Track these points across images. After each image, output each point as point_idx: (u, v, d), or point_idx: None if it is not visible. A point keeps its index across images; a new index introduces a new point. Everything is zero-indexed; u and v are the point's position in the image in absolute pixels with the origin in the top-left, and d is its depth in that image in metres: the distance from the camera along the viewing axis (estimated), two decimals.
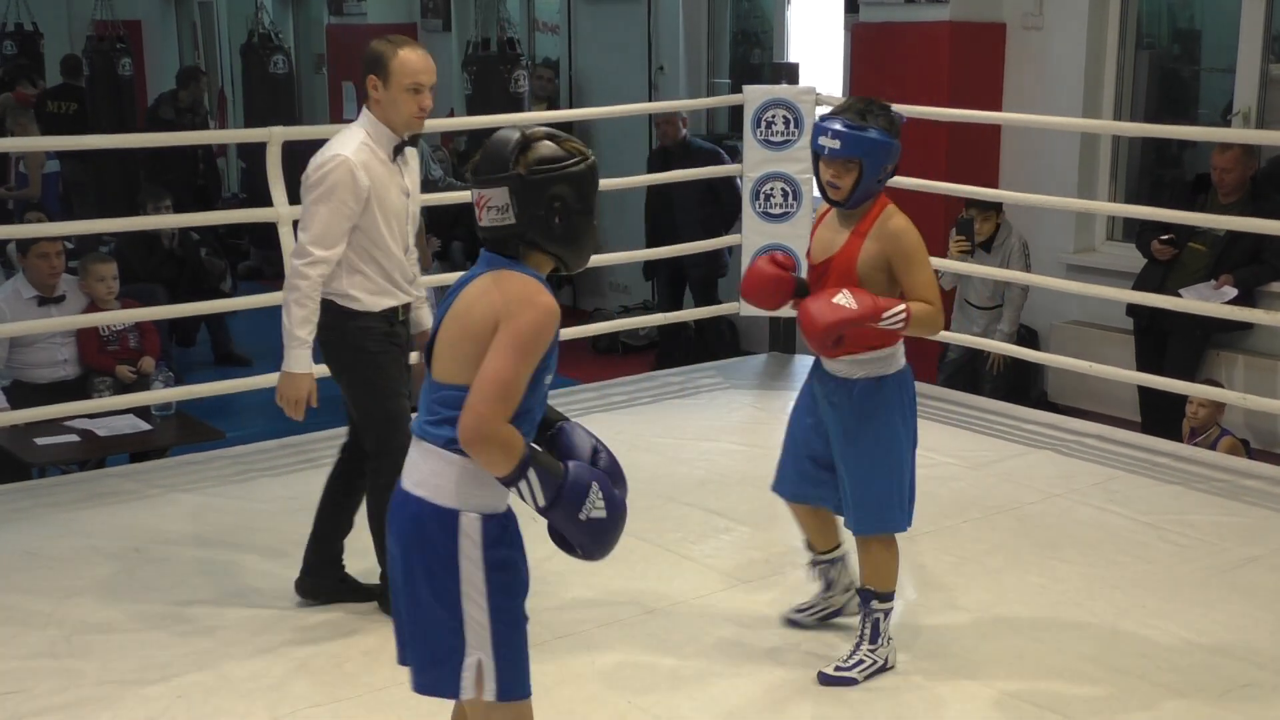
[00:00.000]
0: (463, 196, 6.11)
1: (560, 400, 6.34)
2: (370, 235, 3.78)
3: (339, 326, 3.81)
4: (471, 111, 8.58)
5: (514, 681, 2.54)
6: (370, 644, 3.81)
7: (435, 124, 9.97)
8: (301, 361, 3.78)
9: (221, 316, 8.52)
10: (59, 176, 10.66)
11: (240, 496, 4.99)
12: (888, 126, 3.41)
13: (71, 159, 10.54)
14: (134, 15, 15.34)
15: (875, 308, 3.36)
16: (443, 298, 2.61)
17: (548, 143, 2.52)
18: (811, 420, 3.73)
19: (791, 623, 3.92)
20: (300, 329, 3.75)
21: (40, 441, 5.39)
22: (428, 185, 8.31)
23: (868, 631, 3.60)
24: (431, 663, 2.55)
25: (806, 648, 3.84)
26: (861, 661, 3.59)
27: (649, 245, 7.67)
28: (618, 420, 6.14)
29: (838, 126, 3.39)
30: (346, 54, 11.93)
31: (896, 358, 3.60)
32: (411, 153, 3.92)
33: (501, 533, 2.53)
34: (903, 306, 3.40)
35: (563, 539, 2.57)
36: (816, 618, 3.91)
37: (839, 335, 3.37)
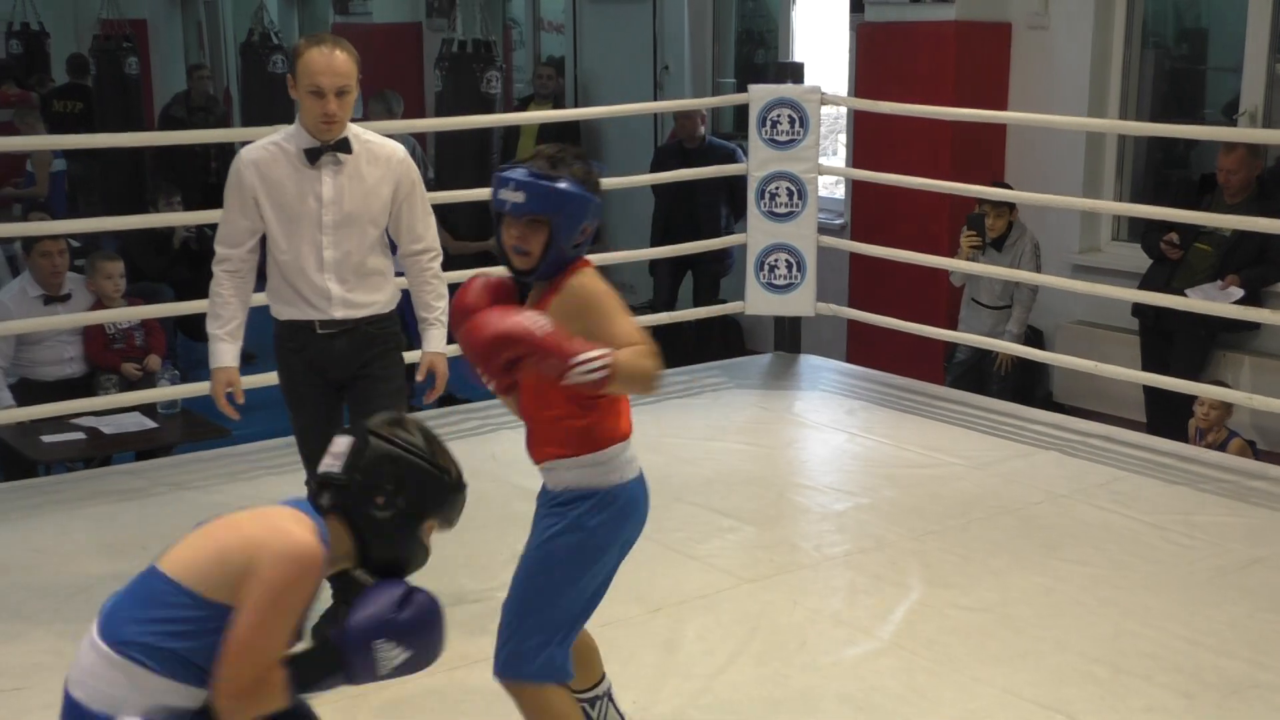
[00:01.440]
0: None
1: None
2: (270, 239, 3.70)
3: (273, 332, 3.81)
4: (441, 112, 8.56)
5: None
6: None
7: (402, 125, 10.06)
8: (215, 357, 3.78)
9: None
10: (65, 175, 10.67)
11: (246, 495, 4.99)
12: (584, 178, 2.73)
13: (78, 158, 10.55)
14: (140, 14, 15.36)
15: (567, 345, 2.57)
16: None
17: (418, 433, 2.32)
18: None
19: None
20: (211, 324, 3.77)
21: (47, 439, 5.40)
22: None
23: None
24: None
25: (814, 647, 3.84)
26: None
27: (661, 243, 7.66)
28: None
29: (521, 176, 2.67)
30: None
31: (614, 466, 2.87)
32: (353, 158, 3.63)
33: None
34: (603, 352, 2.59)
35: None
36: None
37: (511, 357, 2.57)
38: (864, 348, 7.46)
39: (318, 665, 2.15)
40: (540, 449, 2.83)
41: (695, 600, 4.14)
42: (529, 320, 2.57)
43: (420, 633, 2.19)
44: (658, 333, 8.11)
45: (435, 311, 3.88)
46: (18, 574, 4.31)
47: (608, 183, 7.72)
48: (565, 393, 2.67)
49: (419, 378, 3.88)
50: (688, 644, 3.85)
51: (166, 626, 2.14)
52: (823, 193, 7.22)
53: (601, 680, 3.09)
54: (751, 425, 6.09)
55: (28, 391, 5.86)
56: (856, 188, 7.82)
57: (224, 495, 5.01)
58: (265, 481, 5.14)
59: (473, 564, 4.34)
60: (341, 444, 2.28)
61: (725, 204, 7.97)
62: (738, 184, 7.73)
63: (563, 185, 2.68)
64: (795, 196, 6.49)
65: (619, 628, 3.93)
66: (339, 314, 3.70)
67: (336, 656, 2.16)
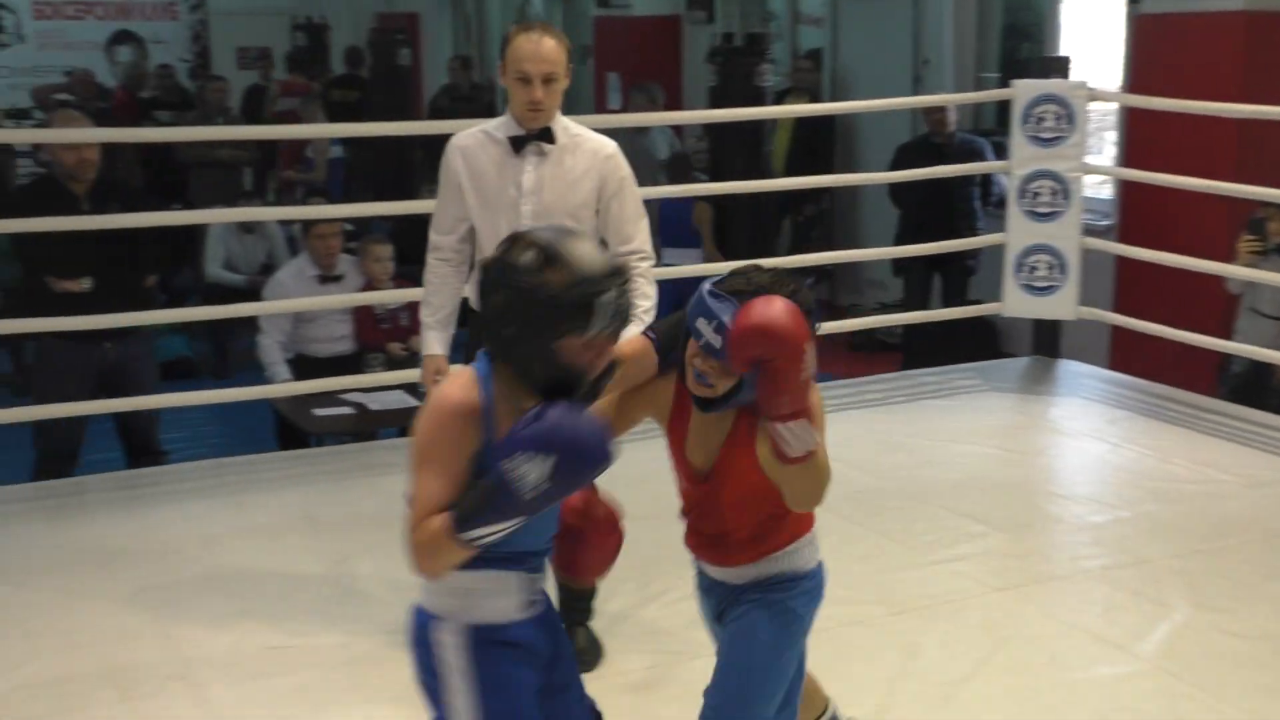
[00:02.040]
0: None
1: None
2: (476, 227, 3.68)
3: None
4: (714, 104, 8.61)
5: None
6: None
7: (678, 117, 10.07)
8: (425, 344, 3.80)
9: None
10: (343, 162, 11.19)
11: None
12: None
13: (354, 146, 11.04)
14: (413, 8, 15.99)
15: (806, 395, 2.37)
16: None
17: (532, 250, 2.12)
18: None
19: None
20: (422, 311, 3.81)
21: (318, 412, 5.68)
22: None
23: None
24: None
25: (1065, 662, 3.72)
26: None
27: (912, 241, 7.53)
28: (870, 419, 6.07)
29: (728, 318, 2.32)
30: (612, 46, 12.14)
31: (815, 546, 2.73)
32: (558, 149, 3.56)
33: (493, 636, 2.22)
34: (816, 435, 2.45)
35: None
36: None
37: (762, 356, 2.30)
38: (1128, 355, 7.16)
39: (468, 497, 2.09)
40: (749, 551, 2.59)
41: (940, 605, 4.07)
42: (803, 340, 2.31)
43: (552, 438, 2.02)
44: (911, 332, 8.04)
45: (638, 309, 3.67)
46: (288, 537, 4.55)
47: (862, 178, 7.72)
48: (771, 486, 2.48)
49: None
50: (931, 650, 3.79)
51: None
52: (1088, 193, 6.97)
53: (827, 708, 3.03)
54: (1005, 430, 5.94)
55: (302, 367, 6.18)
56: (1126, 188, 7.52)
57: None
58: None
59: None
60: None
61: (978, 200, 7.81)
62: (989, 182, 7.59)
63: None
64: (1059, 196, 6.28)
65: (861, 628, 3.89)
66: None
67: (490, 484, 2.06)
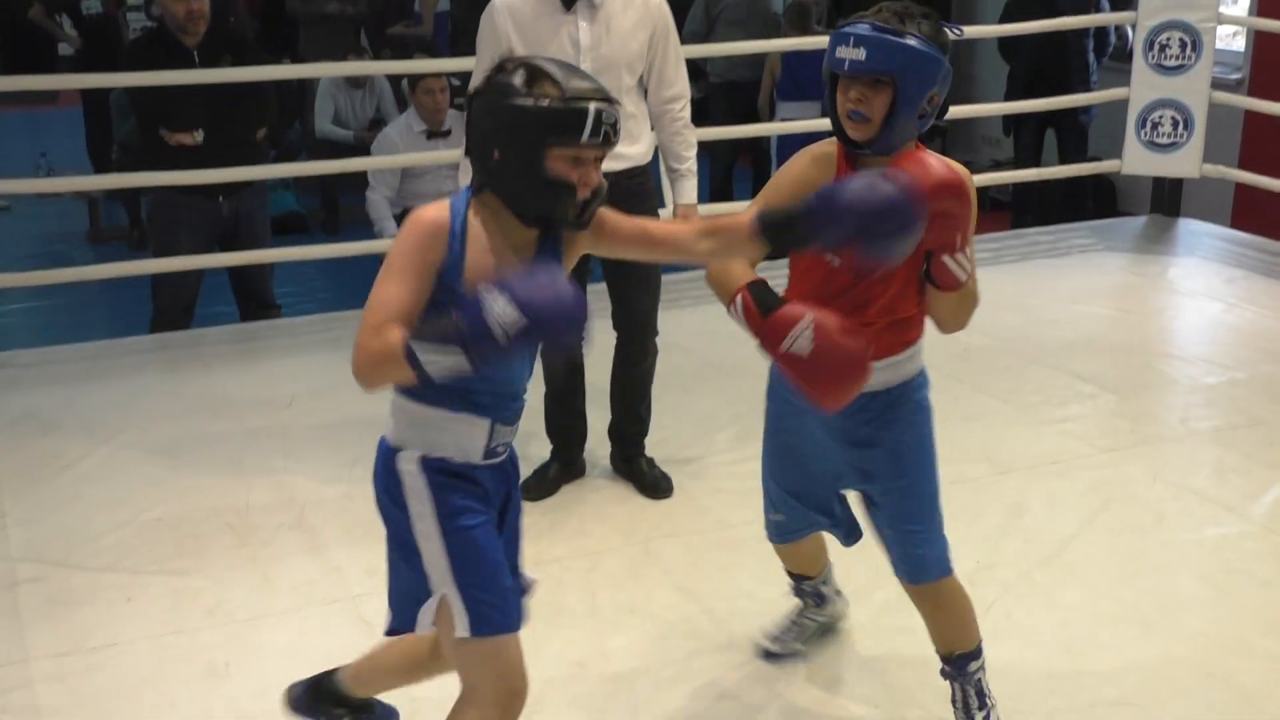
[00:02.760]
0: None
1: None
2: None
3: None
4: None
5: (488, 613, 2.19)
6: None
7: None
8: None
9: None
10: (450, 16, 11.12)
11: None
12: (934, 36, 2.39)
13: (460, 0, 10.95)
14: None
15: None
16: None
17: (519, 71, 2.11)
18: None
19: (776, 655, 3.07)
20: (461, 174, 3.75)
21: None
22: None
23: (974, 700, 2.73)
24: (399, 602, 2.32)
25: (1172, 523, 3.68)
26: None
27: (1025, 96, 7.29)
28: (983, 277, 5.90)
29: (863, 30, 2.36)
30: None
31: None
32: (609, 3, 3.53)
33: (451, 468, 2.23)
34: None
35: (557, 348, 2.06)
36: (806, 639, 3.11)
37: (946, 210, 2.34)
38: (1252, 213, 6.94)
39: (441, 320, 2.02)
40: (891, 346, 2.58)
41: (1047, 465, 4.03)
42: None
43: (533, 297, 1.96)
44: (1024, 190, 7.85)
45: (686, 162, 3.75)
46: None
47: (976, 31, 7.46)
48: (917, 285, 2.53)
49: None
50: (1036, 509, 3.76)
51: None
52: (1219, 45, 6.68)
53: (824, 571, 3.07)
54: (1120, 290, 5.81)
55: None
56: (1259, 40, 7.19)
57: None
58: None
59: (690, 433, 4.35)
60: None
61: (1092, 52, 7.50)
62: (1103, 34, 7.29)
63: (911, 42, 2.35)
64: (1189, 49, 6.04)
65: (965, 486, 3.88)
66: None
67: (458, 308, 2.00)
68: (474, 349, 1.97)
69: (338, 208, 8.28)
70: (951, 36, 2.44)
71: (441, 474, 2.21)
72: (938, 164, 2.36)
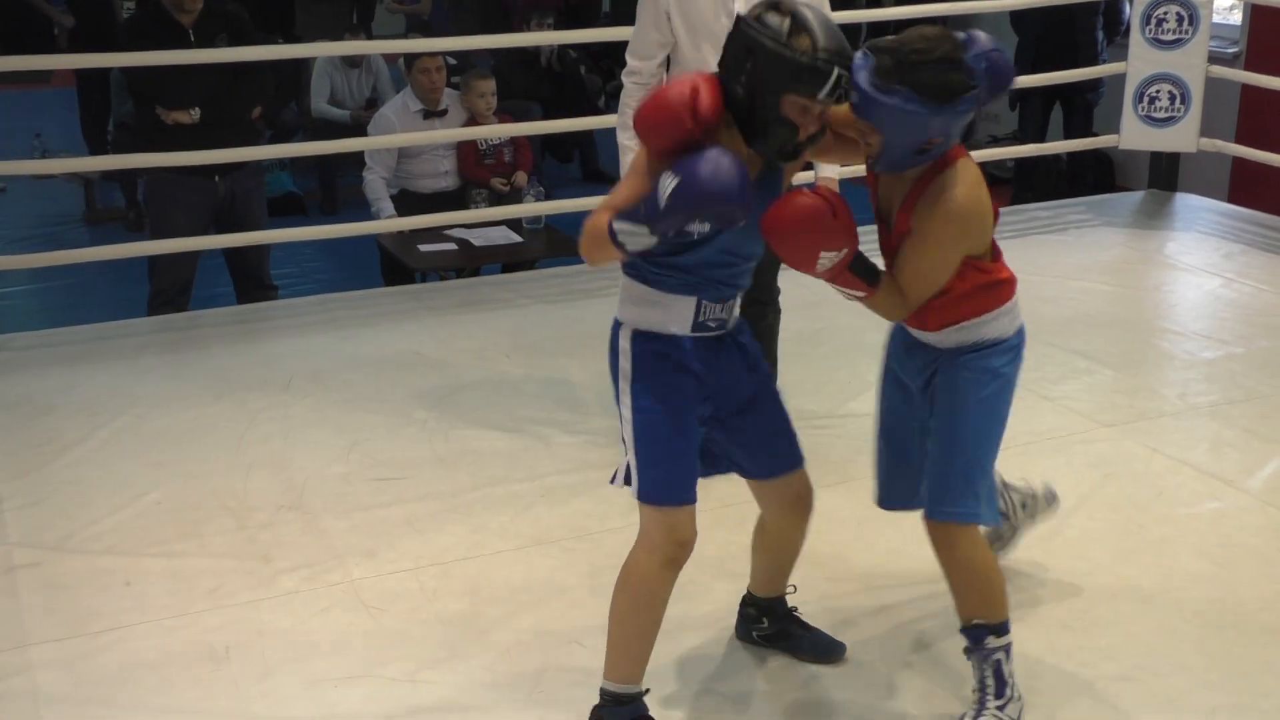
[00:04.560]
0: None
1: None
2: (678, 54, 3.64)
3: None
4: None
5: (654, 485, 2.53)
6: None
7: None
8: (625, 164, 3.71)
9: (591, 134, 8.72)
10: None
11: (604, 312, 5.16)
12: (931, 89, 2.39)
13: None
14: None
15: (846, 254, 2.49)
16: None
17: (785, 16, 2.40)
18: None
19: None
20: (621, 134, 3.72)
21: (423, 248, 5.73)
22: None
23: (990, 682, 2.67)
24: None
25: (1171, 497, 3.68)
26: None
27: (1031, 71, 7.27)
28: None
29: (860, 77, 2.41)
30: None
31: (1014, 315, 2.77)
32: None
33: (658, 348, 2.55)
34: (870, 287, 2.56)
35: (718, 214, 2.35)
36: (1003, 549, 3.28)
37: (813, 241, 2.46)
38: (1249, 188, 6.93)
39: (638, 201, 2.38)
40: (938, 318, 2.68)
41: (1045, 441, 4.03)
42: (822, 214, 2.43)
43: (687, 162, 2.30)
44: (1026, 165, 7.83)
45: None
46: (395, 372, 4.63)
47: (982, 6, 7.42)
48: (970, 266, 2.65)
49: None
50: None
51: None
52: (1216, 18, 6.66)
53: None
54: (1118, 265, 5.81)
55: (406, 202, 6.21)
56: (1256, 13, 7.17)
57: (581, 310, 5.21)
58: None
59: (821, 390, 4.36)
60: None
61: (1101, 29, 7.49)
62: (1111, 8, 7.27)
63: (891, 101, 2.38)
64: (1185, 22, 6.02)
65: None
66: None
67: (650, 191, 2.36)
68: (647, 217, 2.33)
69: (335, 188, 8.26)
70: (972, 87, 2.46)
71: (649, 349, 2.54)
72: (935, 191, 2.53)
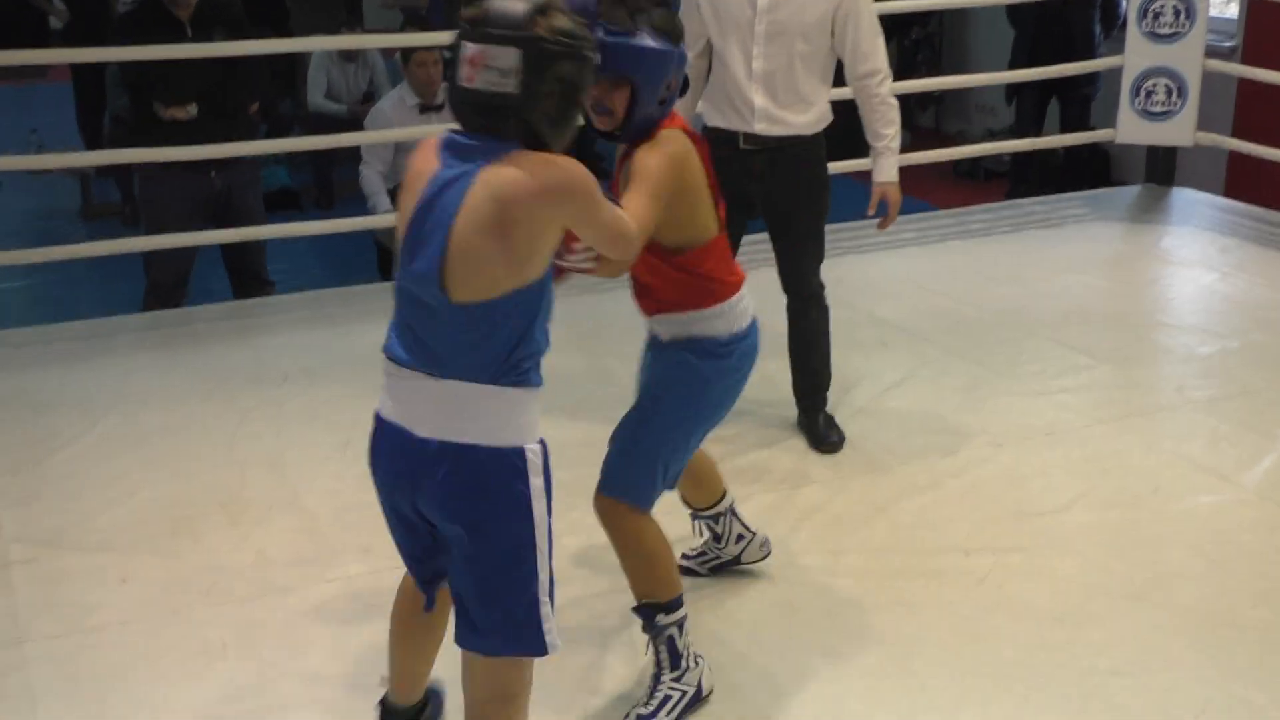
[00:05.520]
0: None
1: (916, 226, 6.22)
2: (713, 42, 3.71)
3: None
4: None
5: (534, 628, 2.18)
6: None
7: None
8: None
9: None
10: None
11: (603, 306, 5.15)
12: (666, 27, 2.54)
13: None
14: None
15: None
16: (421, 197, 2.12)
17: (566, 16, 2.13)
18: None
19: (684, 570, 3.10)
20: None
21: None
22: None
23: (665, 657, 2.72)
24: (512, 623, 2.18)
25: (1167, 492, 3.68)
26: (668, 699, 2.71)
27: (1027, 65, 7.26)
28: (976, 249, 5.98)
29: (598, 35, 2.37)
30: None
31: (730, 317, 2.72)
32: None
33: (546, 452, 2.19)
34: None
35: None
36: (708, 566, 3.26)
37: None
38: (1246, 182, 6.92)
39: None
40: (655, 300, 2.73)
41: (1042, 437, 4.03)
42: None
43: None
44: (1022, 160, 7.82)
45: (883, 139, 3.73)
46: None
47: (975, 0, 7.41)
48: (666, 258, 2.65)
49: (870, 210, 3.81)
50: (1031, 479, 3.77)
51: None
52: (1212, 12, 6.66)
53: (723, 496, 3.11)
54: (1114, 260, 5.81)
55: None
56: (1252, 7, 7.17)
57: (576, 305, 5.20)
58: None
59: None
60: (507, 57, 2.09)
61: (1098, 23, 7.48)
62: (1109, 1, 7.26)
63: (642, 43, 2.50)
64: (1182, 16, 6.02)
65: (960, 458, 3.89)
66: (760, 128, 3.66)
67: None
68: None
69: (331, 183, 8.25)
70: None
71: (547, 461, 2.18)
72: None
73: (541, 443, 2.17)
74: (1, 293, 6.46)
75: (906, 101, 9.61)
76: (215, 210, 5.32)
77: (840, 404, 4.21)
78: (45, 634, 3.07)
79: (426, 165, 2.15)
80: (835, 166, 5.88)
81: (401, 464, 2.19)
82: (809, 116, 3.71)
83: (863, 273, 5.59)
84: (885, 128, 3.74)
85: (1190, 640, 3.00)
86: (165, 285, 5.32)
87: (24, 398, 4.41)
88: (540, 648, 2.18)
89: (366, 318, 5.15)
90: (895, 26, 9.12)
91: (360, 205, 6.26)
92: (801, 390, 4.05)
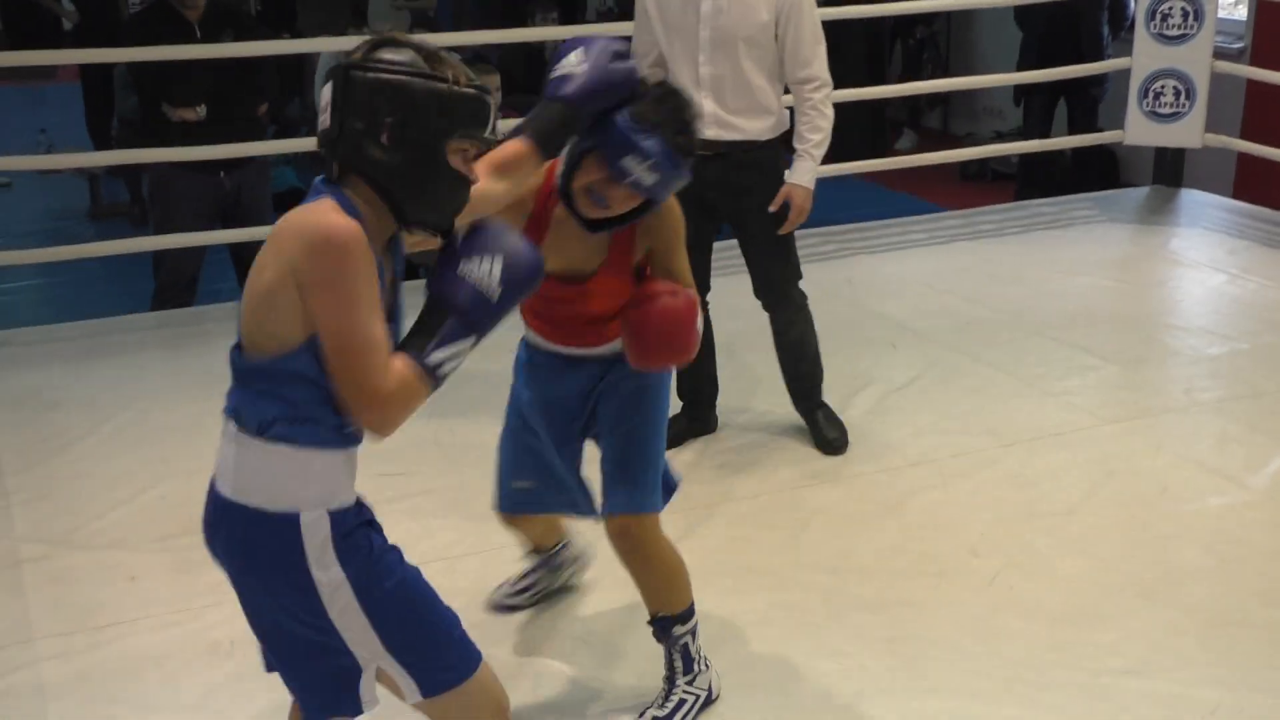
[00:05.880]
0: None
1: (925, 228, 6.22)
2: (663, 51, 3.70)
3: None
4: None
5: (437, 672, 2.02)
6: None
7: None
8: None
9: None
10: None
11: None
12: (687, 150, 2.41)
13: None
14: None
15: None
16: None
17: (408, 49, 1.89)
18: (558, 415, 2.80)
19: (505, 608, 3.14)
20: None
21: None
22: None
23: (679, 663, 2.75)
24: (318, 688, 2.05)
25: (1176, 494, 3.68)
26: (683, 702, 2.73)
27: (1035, 66, 7.25)
28: (984, 249, 5.97)
29: (659, 152, 2.33)
30: None
31: None
32: None
33: (355, 520, 2.00)
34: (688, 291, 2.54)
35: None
36: (535, 596, 3.18)
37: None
38: (1255, 184, 6.91)
39: (428, 323, 1.90)
40: (609, 331, 2.64)
41: (1050, 438, 4.03)
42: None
43: (490, 239, 1.92)
44: (1030, 161, 7.82)
45: (807, 143, 3.68)
46: None
47: (983, 1, 7.39)
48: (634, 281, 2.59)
49: (773, 207, 3.70)
50: (1039, 481, 3.77)
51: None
52: (1221, 13, 6.65)
53: (561, 541, 3.14)
54: (1122, 261, 5.80)
55: None
56: (1262, 8, 7.15)
57: None
58: None
59: (825, 387, 4.36)
60: (326, 94, 1.92)
61: (1106, 25, 7.46)
62: (1116, 3, 7.25)
63: (686, 171, 2.40)
64: (1191, 17, 6.01)
65: (968, 459, 3.88)
66: (710, 134, 3.61)
67: (440, 303, 1.91)
68: (476, 322, 1.91)
69: None
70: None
71: (348, 527, 1.97)
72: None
73: (338, 510, 1.98)
74: (11, 292, 6.46)
75: (914, 102, 9.65)
76: (224, 211, 5.33)
77: (848, 404, 4.21)
78: (55, 631, 3.07)
79: None
80: (844, 167, 5.92)
81: None
82: (762, 122, 3.68)
83: (872, 273, 5.59)
84: (811, 133, 3.67)
85: (1200, 641, 3.00)
86: (174, 285, 5.32)
87: (34, 397, 4.42)
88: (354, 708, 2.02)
89: None
90: (899, 26, 9.12)
91: None
92: (795, 395, 4.05)
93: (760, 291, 3.91)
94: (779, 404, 4.12)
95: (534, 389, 2.79)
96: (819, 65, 3.68)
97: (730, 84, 3.62)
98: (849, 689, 2.84)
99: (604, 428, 2.71)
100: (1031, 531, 3.49)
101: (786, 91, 3.76)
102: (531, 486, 2.83)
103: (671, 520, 3.53)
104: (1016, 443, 4.00)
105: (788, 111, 3.78)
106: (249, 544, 1.98)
